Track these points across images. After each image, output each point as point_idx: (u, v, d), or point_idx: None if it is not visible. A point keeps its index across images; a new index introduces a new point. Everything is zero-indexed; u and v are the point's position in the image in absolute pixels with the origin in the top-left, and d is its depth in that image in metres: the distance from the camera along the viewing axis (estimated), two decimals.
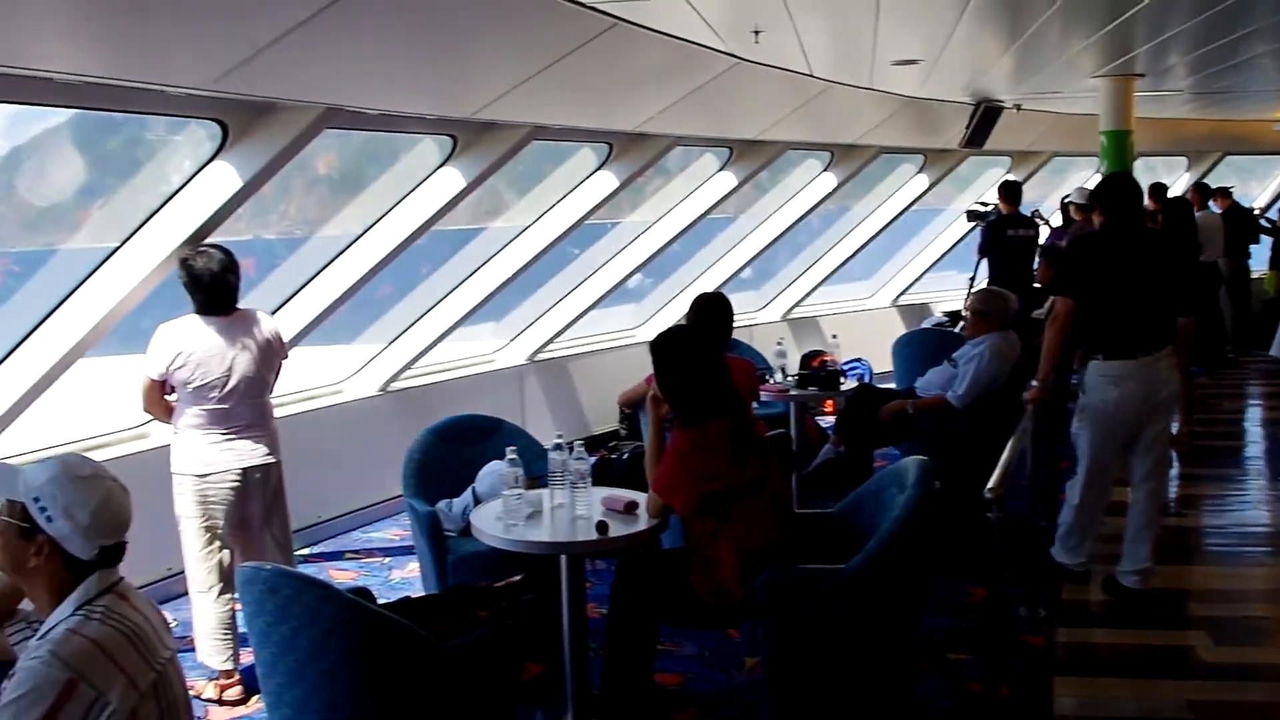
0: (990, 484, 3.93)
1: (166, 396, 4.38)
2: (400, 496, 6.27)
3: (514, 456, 3.96)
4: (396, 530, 6.52)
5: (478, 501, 4.64)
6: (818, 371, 6.50)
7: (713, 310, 5.36)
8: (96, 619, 2.19)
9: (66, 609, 2.21)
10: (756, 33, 5.49)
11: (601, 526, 3.78)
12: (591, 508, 3.96)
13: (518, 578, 3.54)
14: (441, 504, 4.78)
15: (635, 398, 5.89)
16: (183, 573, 4.48)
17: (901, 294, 11.64)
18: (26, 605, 2.43)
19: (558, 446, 4.03)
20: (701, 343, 4.08)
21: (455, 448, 5.03)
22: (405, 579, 5.71)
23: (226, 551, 4.38)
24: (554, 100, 5.65)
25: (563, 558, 3.86)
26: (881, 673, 3.84)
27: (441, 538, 4.62)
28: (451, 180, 5.77)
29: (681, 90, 6.35)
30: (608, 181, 7.10)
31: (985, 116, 9.37)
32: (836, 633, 3.72)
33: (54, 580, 2.25)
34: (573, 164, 7.36)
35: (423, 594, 4.67)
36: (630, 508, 3.98)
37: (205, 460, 4.29)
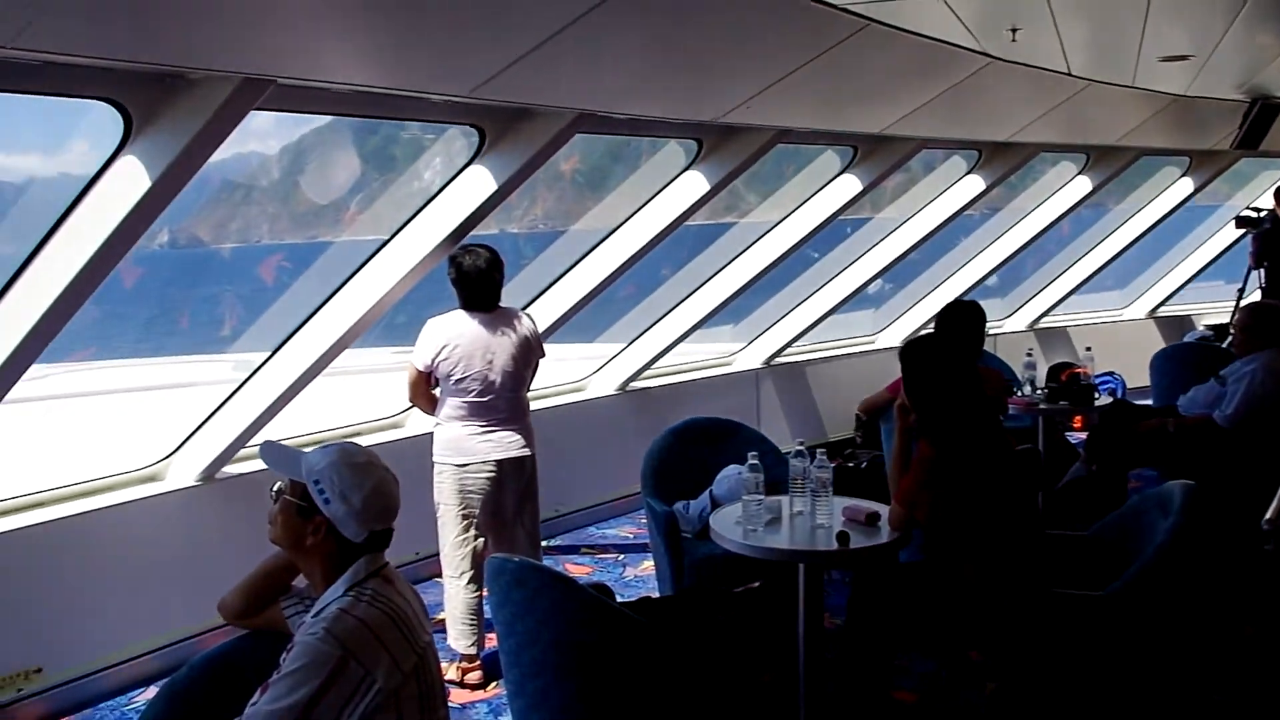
0: (1269, 514, 3.64)
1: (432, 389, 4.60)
2: (635, 494, 6.38)
3: (755, 462, 3.94)
4: (631, 528, 6.63)
5: (715, 504, 4.65)
6: (1069, 385, 6.19)
7: (965, 318, 5.19)
8: (365, 600, 2.30)
9: (338, 589, 2.33)
10: (1014, 31, 5.27)
11: (842, 537, 3.71)
12: (832, 517, 3.89)
13: (756, 584, 3.52)
14: (679, 505, 4.81)
15: (876, 405, 5.77)
16: (431, 557, 4.68)
17: (1160, 305, 10.97)
18: (300, 581, 2.57)
19: (799, 453, 3.98)
20: (953, 352, 3.96)
21: (694, 449, 5.06)
22: (639, 577, 5.79)
23: (480, 540, 4.55)
24: (800, 103, 5.59)
25: (801, 566, 3.81)
26: (1137, 708, 3.62)
27: (678, 538, 4.65)
28: (696, 183, 5.81)
29: (931, 92, 6.17)
30: (851, 185, 6.99)
31: (1262, 115, 8.67)
32: (1089, 662, 3.52)
33: (327, 560, 2.38)
34: (816, 165, 7.28)
35: (659, 595, 4.73)
36: (872, 519, 3.90)
37: (465, 450, 4.47)
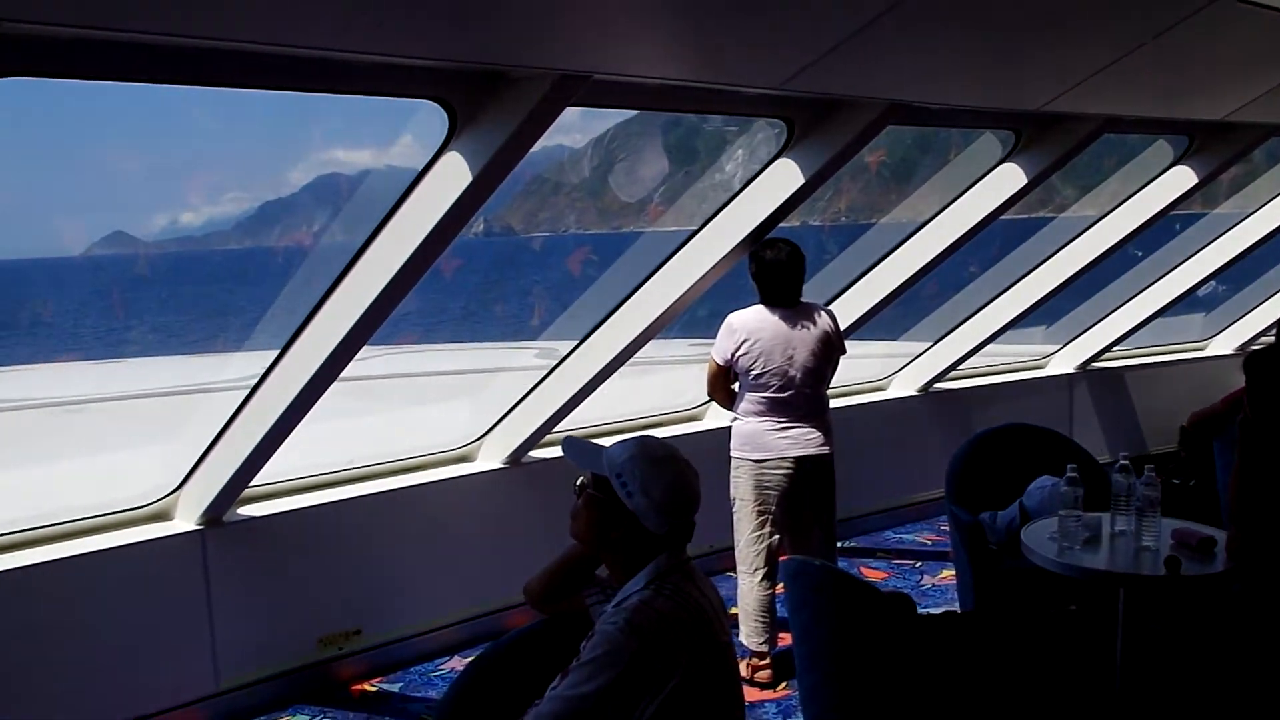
0: None
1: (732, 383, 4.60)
2: (935, 500, 6.15)
3: (1074, 475, 3.69)
4: (930, 534, 6.40)
5: (1025, 517, 4.39)
6: None
7: None
8: (666, 595, 2.28)
9: (639, 582, 2.33)
10: None
11: (1172, 563, 3.40)
12: (1159, 540, 3.58)
13: (1073, 607, 3.29)
14: (985, 515, 4.58)
15: (1207, 418, 5.30)
16: (724, 551, 4.66)
17: None
18: (603, 571, 2.59)
19: (1123, 468, 3.69)
20: None
21: (1002, 457, 4.81)
22: (937, 586, 5.56)
23: (776, 537, 4.50)
24: (1132, 89, 5.17)
25: (1121, 591, 3.52)
26: None
27: (983, 550, 4.42)
28: (1013, 176, 5.49)
29: None
30: (1185, 177, 6.43)
31: None
32: None
33: (628, 553, 2.38)
34: (1145, 156, 6.75)
35: (959, 608, 4.52)
36: (1205, 545, 3.56)
37: (763, 446, 4.44)
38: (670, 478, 2.38)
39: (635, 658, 2.19)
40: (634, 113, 5.52)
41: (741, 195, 4.73)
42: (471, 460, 5.23)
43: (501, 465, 5.17)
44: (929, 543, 6.29)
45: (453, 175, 3.52)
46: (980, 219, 5.51)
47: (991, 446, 4.86)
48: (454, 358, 11.52)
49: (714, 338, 4.58)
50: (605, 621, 2.28)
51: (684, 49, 3.73)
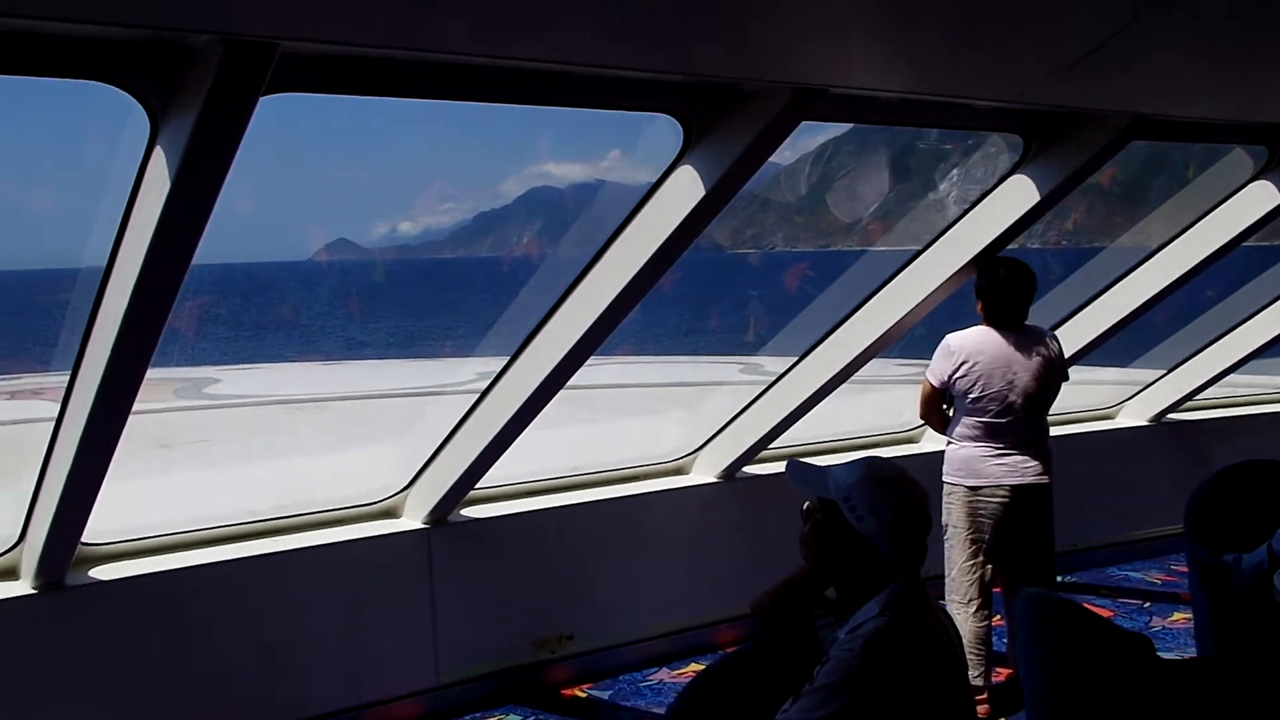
0: None
1: (945, 407, 4.47)
2: (1164, 537, 5.83)
3: None
4: (1159, 574, 6.06)
5: (1275, 562, 4.08)
6: None
7: None
8: (903, 623, 2.23)
9: (874, 608, 2.28)
10: None
11: None
12: None
13: None
14: (1229, 556, 4.28)
15: None
16: (930, 580, 4.52)
17: None
18: (833, 593, 2.54)
19: None
20: None
21: (1248, 495, 4.48)
22: (1168, 629, 5.26)
23: (989, 567, 4.35)
24: None
25: None
26: None
27: (1227, 594, 4.13)
28: (1266, 195, 5.14)
29: None
30: None
31: None
32: None
33: (860, 578, 2.34)
34: None
35: (1197, 654, 4.27)
36: None
37: (978, 473, 4.31)
38: (901, 499, 2.33)
39: (870, 686, 2.16)
40: (847, 129, 5.38)
41: (970, 214, 4.60)
42: (686, 473, 5.25)
43: (715, 479, 5.17)
44: (1159, 582, 5.95)
45: (685, 190, 3.54)
46: (1227, 240, 5.19)
47: (1236, 483, 4.53)
48: (665, 370, 11.63)
49: (928, 359, 4.47)
50: (840, 648, 2.25)
51: (921, 61, 3.65)
